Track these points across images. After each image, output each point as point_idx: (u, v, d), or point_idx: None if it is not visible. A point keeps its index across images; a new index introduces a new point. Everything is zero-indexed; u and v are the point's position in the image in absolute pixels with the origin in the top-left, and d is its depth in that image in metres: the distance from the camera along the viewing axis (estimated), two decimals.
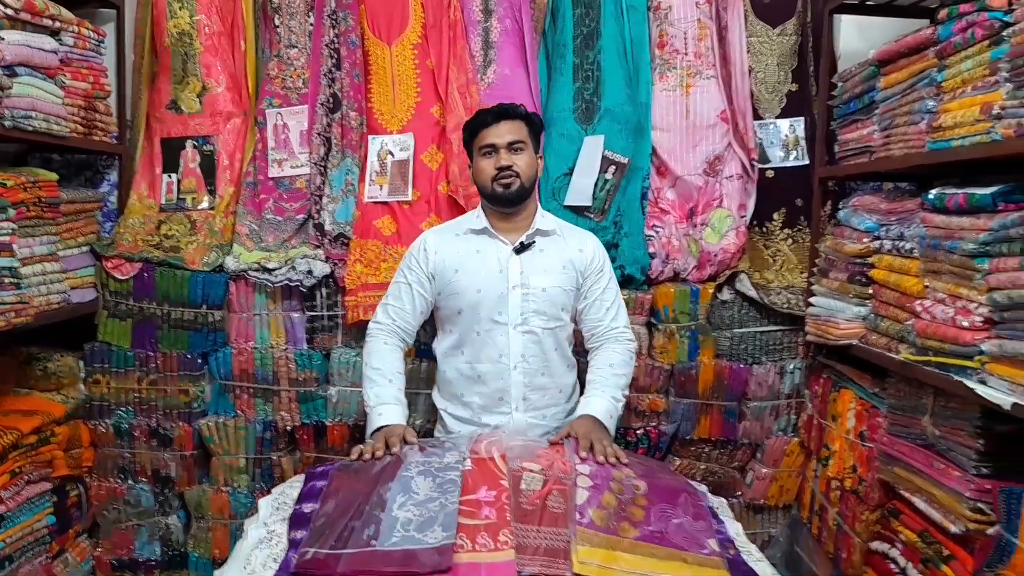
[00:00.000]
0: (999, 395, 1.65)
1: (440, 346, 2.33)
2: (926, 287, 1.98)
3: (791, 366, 2.74)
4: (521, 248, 2.22)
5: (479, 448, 1.91)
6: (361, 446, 2.01)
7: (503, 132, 2.19)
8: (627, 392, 2.30)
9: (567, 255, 2.27)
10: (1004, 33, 1.68)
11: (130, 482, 2.74)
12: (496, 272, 2.21)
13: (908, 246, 2.06)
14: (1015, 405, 1.59)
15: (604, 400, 2.17)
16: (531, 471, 1.81)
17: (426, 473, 1.79)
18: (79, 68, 2.53)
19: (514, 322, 2.20)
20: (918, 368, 1.96)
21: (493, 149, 2.19)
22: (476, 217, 2.30)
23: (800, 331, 2.68)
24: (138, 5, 2.89)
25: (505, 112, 2.22)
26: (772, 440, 2.77)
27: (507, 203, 2.22)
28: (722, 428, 2.76)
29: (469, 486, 1.74)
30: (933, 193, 1.92)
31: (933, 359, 1.91)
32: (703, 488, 2.09)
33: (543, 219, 2.29)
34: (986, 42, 1.75)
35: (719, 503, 2.03)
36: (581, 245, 2.31)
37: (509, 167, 2.17)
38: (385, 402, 2.15)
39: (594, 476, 1.82)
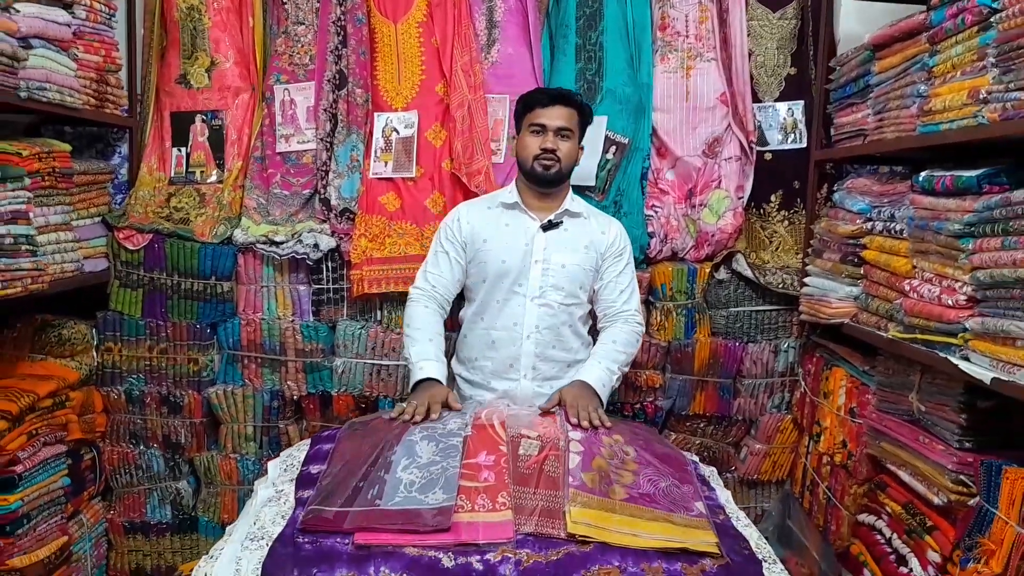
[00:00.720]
0: (981, 371, 1.71)
1: (465, 312, 2.44)
2: (914, 267, 2.03)
3: (785, 345, 2.81)
4: (548, 226, 2.32)
5: (480, 416, 1.99)
6: (403, 404, 2.07)
7: (555, 116, 2.28)
8: (626, 368, 2.38)
9: (590, 236, 2.37)
10: (992, 19, 1.72)
11: (142, 447, 2.82)
12: (522, 245, 2.31)
13: (898, 227, 2.12)
14: (995, 380, 1.65)
15: (599, 368, 2.25)
16: (529, 438, 1.88)
17: (430, 438, 1.87)
18: (91, 41, 2.57)
19: (532, 294, 2.30)
20: (905, 346, 2.02)
21: (542, 129, 2.28)
22: (509, 192, 2.40)
23: (795, 311, 2.74)
24: None
25: (562, 97, 2.32)
26: (766, 417, 2.84)
27: (543, 183, 2.32)
28: (717, 404, 2.83)
29: (470, 451, 1.81)
30: (922, 175, 1.98)
31: (920, 337, 1.97)
32: (693, 456, 2.17)
33: (573, 202, 2.40)
34: (975, 28, 1.79)
35: (710, 471, 2.11)
36: (604, 228, 2.41)
37: (553, 151, 2.27)
38: (427, 358, 2.23)
39: (585, 442, 1.90)
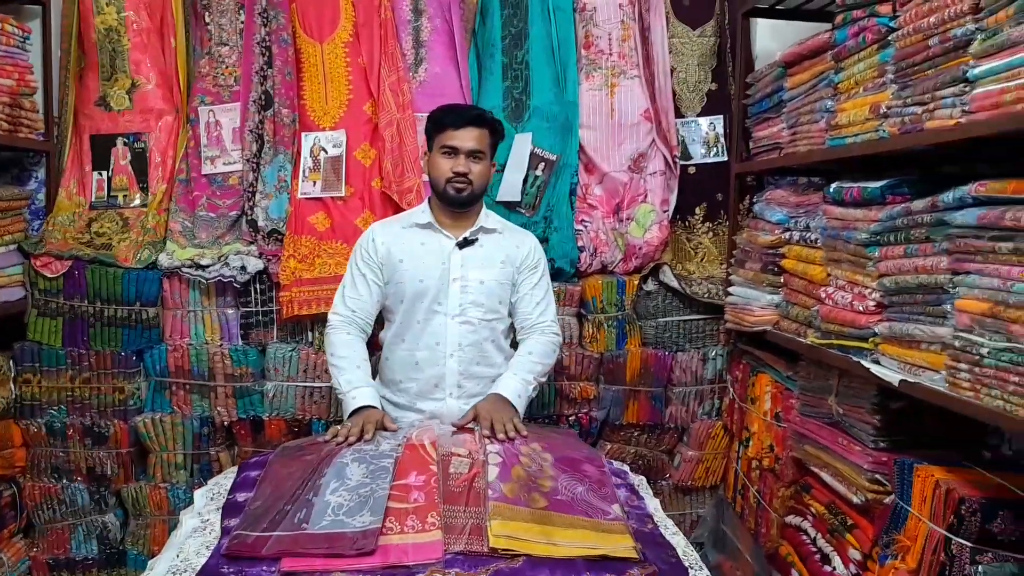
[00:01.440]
0: (890, 373, 1.79)
1: (385, 335, 2.41)
2: (829, 275, 2.11)
3: (713, 353, 2.88)
4: (464, 243, 2.32)
5: (412, 436, 1.98)
6: (337, 427, 2.06)
7: (467, 138, 2.26)
8: (543, 379, 2.40)
9: (505, 251, 2.37)
10: (890, 37, 1.81)
11: (64, 481, 2.72)
12: (439, 264, 2.30)
13: (813, 237, 2.19)
14: (903, 382, 1.73)
15: (515, 380, 2.27)
16: (459, 455, 1.89)
17: (361, 460, 1.86)
18: (3, 65, 2.50)
19: (452, 312, 2.29)
20: (823, 351, 2.09)
21: (454, 151, 2.27)
22: (422, 212, 2.39)
23: (721, 319, 2.82)
24: (64, 1, 2.86)
25: (474, 118, 2.29)
26: (697, 424, 2.90)
27: (456, 205, 2.31)
28: (650, 413, 2.88)
29: (400, 471, 1.81)
30: (833, 187, 2.06)
31: (835, 342, 2.04)
32: (624, 466, 2.20)
33: (487, 218, 2.39)
34: (875, 46, 1.88)
35: (639, 480, 2.14)
36: (519, 242, 2.42)
37: (465, 174, 2.25)
38: (357, 386, 2.21)
39: (504, 452, 1.91)
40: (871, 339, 1.88)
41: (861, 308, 1.91)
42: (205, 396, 2.75)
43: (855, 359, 1.93)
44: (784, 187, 2.58)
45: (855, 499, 1.95)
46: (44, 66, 2.81)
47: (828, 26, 2.16)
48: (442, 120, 2.31)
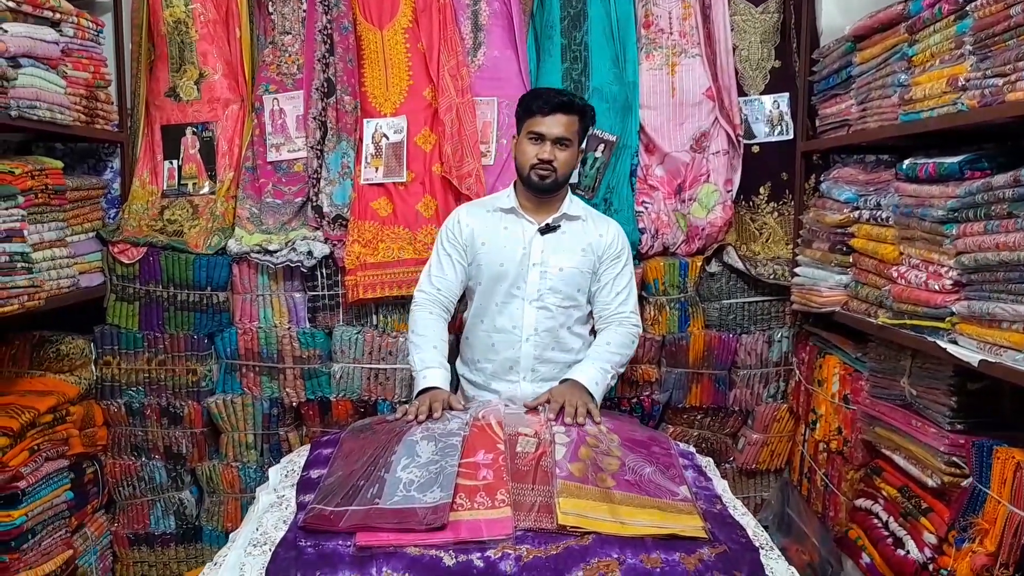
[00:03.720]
0: (968, 353, 1.73)
1: (467, 315, 2.46)
2: (901, 254, 2.06)
3: (778, 334, 2.83)
4: (546, 229, 2.33)
5: (479, 415, 2.01)
6: (406, 406, 2.10)
7: (554, 125, 2.26)
8: (621, 369, 2.40)
9: (588, 239, 2.37)
10: (968, 8, 1.74)
11: (143, 459, 2.84)
12: (519, 249, 2.32)
13: (884, 215, 2.14)
14: (982, 362, 1.67)
15: (592, 368, 2.27)
16: (526, 435, 1.91)
17: (430, 438, 1.89)
18: (79, 58, 2.59)
19: (530, 297, 2.31)
20: (895, 331, 2.05)
21: (540, 138, 2.27)
22: (507, 196, 2.41)
23: (786, 300, 2.77)
24: None
25: (563, 105, 2.27)
26: (762, 407, 2.87)
27: (540, 191, 2.32)
28: (713, 396, 2.85)
29: (468, 450, 1.84)
30: (906, 163, 2.00)
31: (908, 322, 1.99)
32: (690, 447, 2.19)
33: (571, 204, 2.40)
34: (952, 16, 1.82)
35: (706, 462, 2.14)
36: (603, 231, 2.41)
37: (550, 162, 2.25)
38: (430, 366, 2.25)
39: (570, 432, 1.93)
40: (948, 319, 1.83)
41: (937, 287, 1.86)
42: (274, 378, 2.82)
43: (930, 339, 1.88)
44: (852, 165, 2.52)
45: (930, 482, 1.92)
46: (116, 59, 2.90)
47: None
48: (530, 105, 2.30)
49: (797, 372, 2.78)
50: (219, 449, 2.89)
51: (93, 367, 2.77)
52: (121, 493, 2.85)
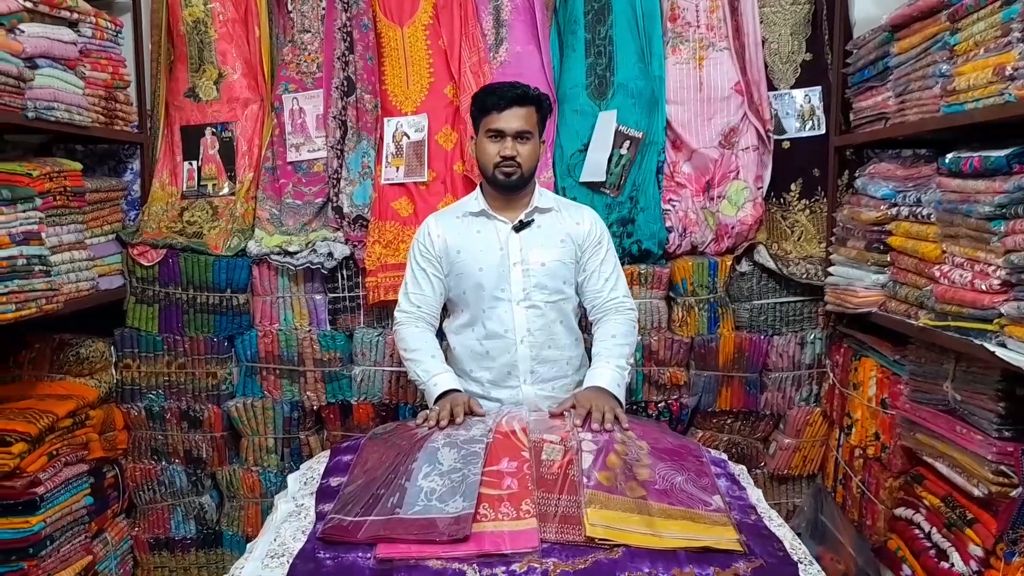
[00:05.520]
0: (1018, 357, 1.65)
1: (450, 326, 2.38)
2: (944, 252, 1.97)
3: (811, 336, 2.75)
4: (520, 226, 2.26)
5: (502, 422, 1.95)
6: (427, 411, 2.05)
7: (512, 119, 2.19)
8: (632, 360, 2.32)
9: (565, 229, 2.30)
10: None
11: (163, 463, 2.82)
12: (497, 250, 2.25)
13: (925, 212, 2.06)
14: None
15: (609, 369, 2.19)
16: (551, 442, 1.84)
17: (452, 445, 1.83)
18: (98, 59, 2.58)
19: (517, 298, 2.24)
20: (938, 333, 1.96)
21: (500, 135, 2.20)
22: (474, 200, 2.33)
23: (819, 301, 2.69)
24: None
25: (518, 98, 2.20)
26: (794, 410, 2.78)
27: (507, 189, 2.25)
28: (744, 399, 2.77)
29: (492, 458, 1.77)
30: (949, 157, 1.92)
31: (952, 324, 1.91)
32: (722, 454, 2.11)
33: (541, 197, 2.32)
34: (998, 3, 1.74)
35: (739, 470, 2.05)
36: (578, 219, 2.33)
37: (513, 158, 2.19)
38: (436, 372, 2.20)
39: (597, 439, 1.85)
40: (996, 320, 1.74)
41: (984, 287, 1.77)
42: (295, 381, 2.78)
43: (976, 342, 1.79)
44: (889, 160, 2.43)
45: (976, 491, 1.84)
46: (136, 59, 2.89)
47: None
48: (485, 102, 2.22)
49: (831, 375, 2.69)
50: (239, 453, 2.86)
51: (113, 370, 2.75)
52: (142, 498, 2.83)
